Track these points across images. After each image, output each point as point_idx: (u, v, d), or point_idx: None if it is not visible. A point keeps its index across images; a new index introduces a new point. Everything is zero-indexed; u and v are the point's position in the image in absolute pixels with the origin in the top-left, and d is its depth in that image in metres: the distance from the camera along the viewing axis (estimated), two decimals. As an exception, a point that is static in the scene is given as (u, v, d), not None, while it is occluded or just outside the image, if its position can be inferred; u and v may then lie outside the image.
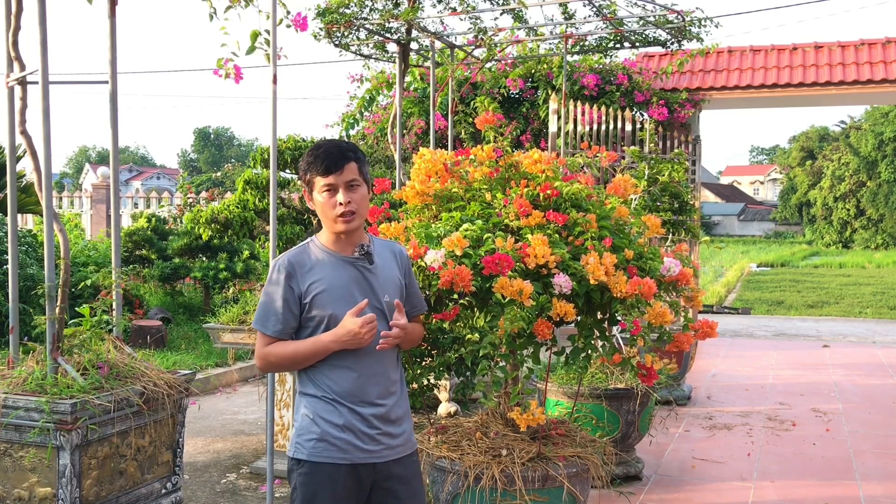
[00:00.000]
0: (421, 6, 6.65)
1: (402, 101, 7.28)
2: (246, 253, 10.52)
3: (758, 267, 27.82)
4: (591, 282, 2.91)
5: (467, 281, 2.83)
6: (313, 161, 2.48)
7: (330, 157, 2.45)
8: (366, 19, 6.57)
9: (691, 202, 6.67)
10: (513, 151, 3.48)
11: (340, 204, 2.44)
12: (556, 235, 3.09)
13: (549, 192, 3.24)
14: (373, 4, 6.58)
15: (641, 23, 7.42)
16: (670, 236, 6.39)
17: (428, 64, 7.46)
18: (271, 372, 2.84)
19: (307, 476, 2.48)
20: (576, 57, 9.59)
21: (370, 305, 2.48)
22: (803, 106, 11.65)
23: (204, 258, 10.51)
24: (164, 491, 3.47)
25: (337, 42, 6.85)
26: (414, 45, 7.22)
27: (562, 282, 2.91)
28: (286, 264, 2.49)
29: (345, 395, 2.47)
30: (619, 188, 3.50)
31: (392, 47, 7.22)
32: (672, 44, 7.69)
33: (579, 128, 8.00)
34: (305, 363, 2.50)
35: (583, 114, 8.02)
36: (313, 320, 2.48)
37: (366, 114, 10.33)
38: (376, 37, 6.94)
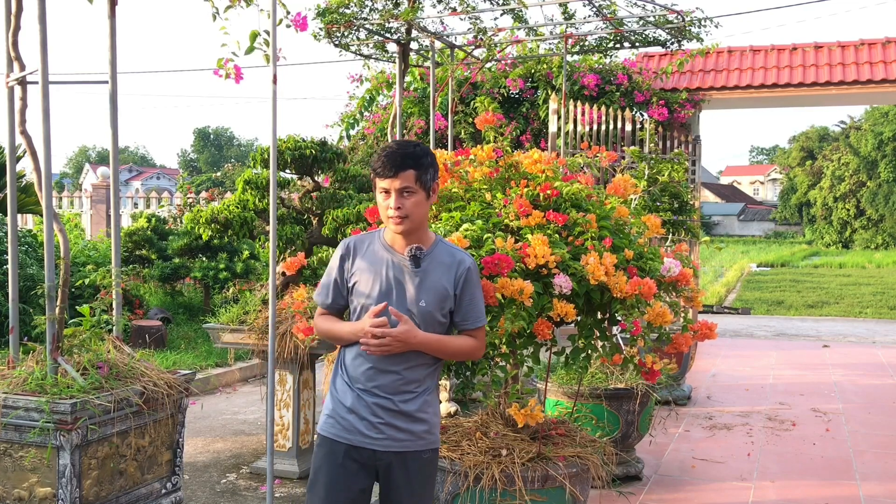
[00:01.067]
0: (421, 6, 6.65)
1: (402, 101, 7.28)
2: (246, 253, 10.52)
3: (758, 267, 27.83)
4: (592, 282, 2.91)
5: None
6: (375, 161, 2.55)
7: (389, 161, 2.50)
8: (366, 19, 6.57)
9: (691, 202, 6.67)
10: (513, 151, 3.48)
11: (391, 208, 2.51)
12: (556, 235, 3.09)
13: (549, 192, 3.24)
14: (373, 4, 6.58)
15: (641, 23, 7.43)
16: (670, 236, 6.39)
17: (428, 64, 7.46)
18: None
19: (317, 448, 2.65)
20: (576, 57, 9.59)
21: (402, 307, 2.53)
22: (803, 106, 11.65)
23: (204, 258, 10.50)
24: (164, 491, 3.47)
25: (337, 42, 6.85)
26: (414, 45, 7.22)
27: (562, 282, 2.91)
28: (345, 246, 2.65)
29: (357, 380, 2.57)
30: (619, 188, 3.50)
31: (392, 47, 7.22)
32: (672, 44, 7.69)
33: (579, 128, 8.00)
34: (339, 343, 2.66)
35: (583, 114, 8.02)
36: (352, 303, 2.62)
37: (366, 114, 10.33)
38: (376, 37, 6.94)
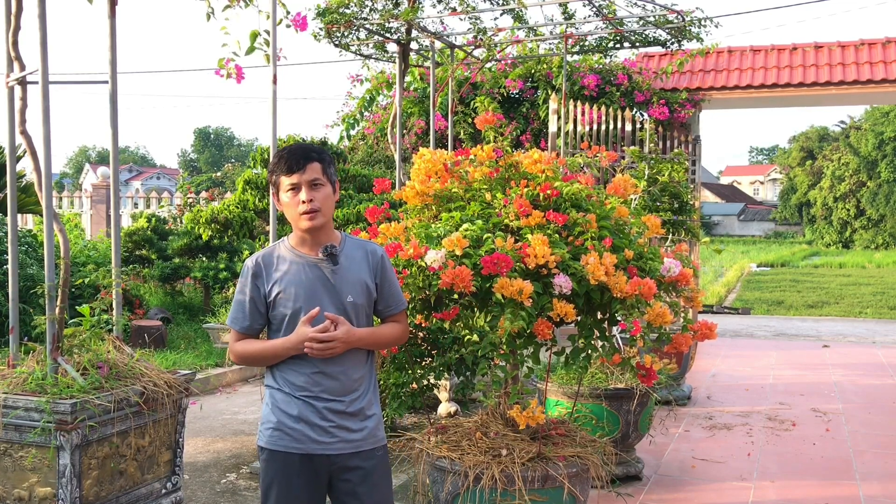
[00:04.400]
0: (421, 6, 6.66)
1: (402, 101, 7.28)
2: (246, 253, 10.51)
3: (758, 267, 27.82)
4: (592, 282, 2.91)
5: (468, 281, 2.83)
6: (278, 162, 2.55)
7: (293, 157, 2.52)
8: (366, 19, 6.58)
9: (691, 202, 6.67)
10: (513, 151, 3.48)
11: (303, 202, 2.50)
12: (556, 235, 3.08)
13: (549, 192, 3.24)
14: (373, 4, 6.59)
15: (641, 23, 7.43)
16: (670, 236, 6.39)
17: (428, 64, 7.46)
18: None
19: (266, 463, 2.59)
20: (576, 57, 9.59)
21: (333, 306, 2.52)
22: (803, 106, 11.66)
23: (204, 258, 10.51)
24: (164, 491, 3.47)
25: (337, 42, 6.86)
26: (414, 45, 7.23)
27: (562, 282, 2.91)
28: (253, 264, 2.59)
29: (300, 389, 2.54)
30: (619, 188, 3.50)
31: (392, 47, 7.23)
32: (672, 44, 7.70)
33: (579, 128, 8.00)
34: (269, 362, 2.59)
35: (583, 114, 8.02)
36: (277, 318, 2.57)
37: (366, 114, 10.35)
38: (376, 37, 6.95)
